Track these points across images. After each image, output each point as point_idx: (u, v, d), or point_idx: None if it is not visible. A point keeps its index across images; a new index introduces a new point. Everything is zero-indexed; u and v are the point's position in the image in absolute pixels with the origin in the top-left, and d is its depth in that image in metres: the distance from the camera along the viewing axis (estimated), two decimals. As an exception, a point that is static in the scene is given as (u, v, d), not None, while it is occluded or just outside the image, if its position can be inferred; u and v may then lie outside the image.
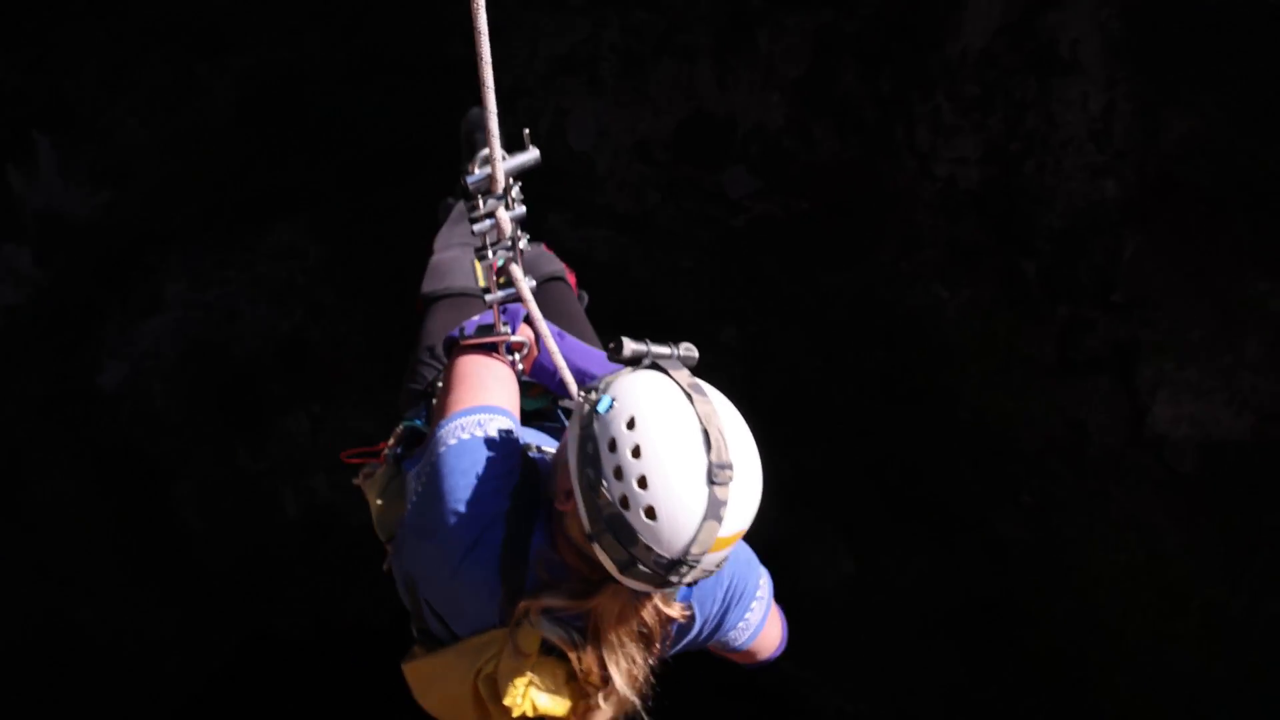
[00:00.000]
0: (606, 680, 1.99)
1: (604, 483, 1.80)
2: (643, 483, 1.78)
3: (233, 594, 7.04)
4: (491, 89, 2.20)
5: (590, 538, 1.84)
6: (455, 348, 2.31)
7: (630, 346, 1.97)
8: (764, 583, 2.39)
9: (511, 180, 2.21)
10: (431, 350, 2.85)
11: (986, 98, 6.17)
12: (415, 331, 3.01)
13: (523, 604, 1.95)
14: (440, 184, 6.74)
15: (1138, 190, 6.08)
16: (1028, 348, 6.24)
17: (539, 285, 2.72)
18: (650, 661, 2.03)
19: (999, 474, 6.31)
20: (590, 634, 1.98)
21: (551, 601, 1.95)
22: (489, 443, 2.05)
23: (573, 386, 2.33)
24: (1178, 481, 6.04)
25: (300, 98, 6.47)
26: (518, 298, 2.33)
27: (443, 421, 2.08)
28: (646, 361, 1.98)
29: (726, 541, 1.85)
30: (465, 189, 2.13)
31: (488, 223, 2.15)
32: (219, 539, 6.94)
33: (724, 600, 2.27)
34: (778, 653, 2.57)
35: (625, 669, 1.98)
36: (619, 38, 6.57)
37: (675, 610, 2.06)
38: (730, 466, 1.83)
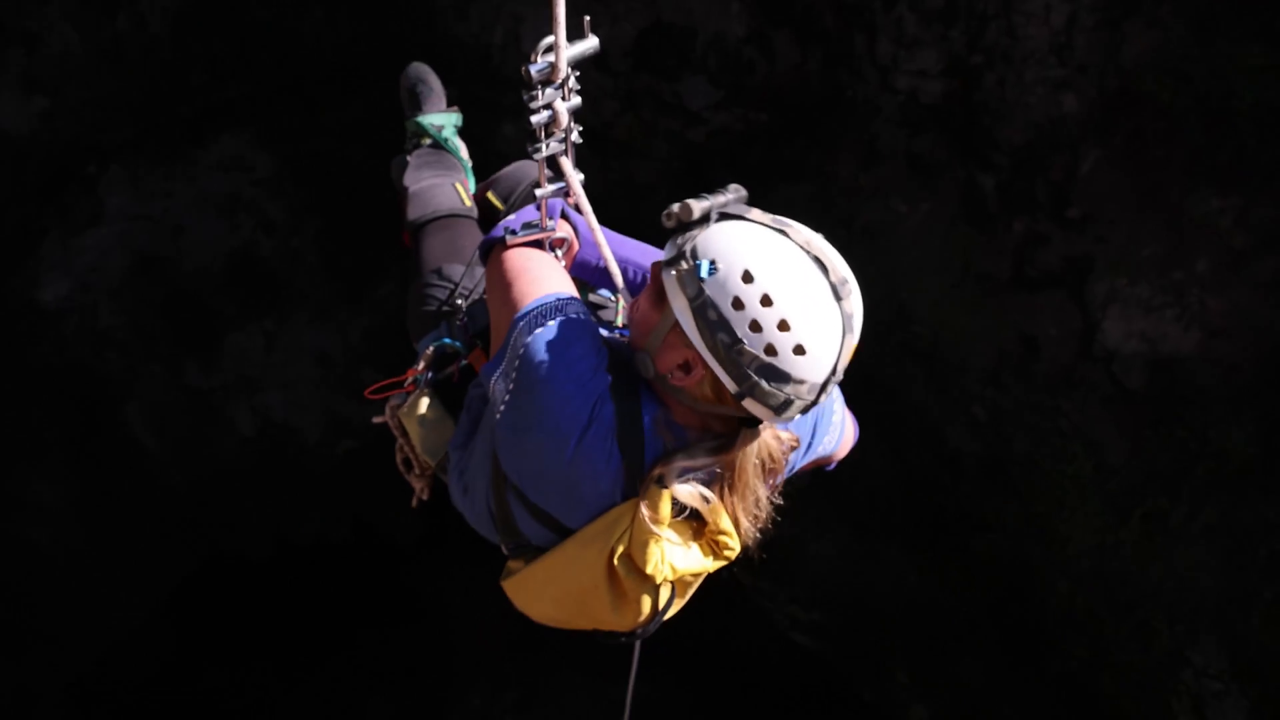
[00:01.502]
0: (736, 526, 1.99)
1: (743, 341, 1.78)
2: (783, 326, 1.78)
3: (189, 513, 6.87)
4: None
5: (740, 395, 1.83)
6: (498, 247, 2.21)
7: (698, 206, 1.89)
8: None
9: (570, 70, 2.09)
10: (439, 272, 2.75)
11: (949, 9, 5.95)
12: (414, 259, 2.86)
13: (658, 469, 1.93)
14: (387, 100, 6.41)
15: (1098, 105, 5.95)
16: (983, 263, 6.14)
17: (528, 194, 2.70)
18: (770, 497, 2.03)
19: (952, 387, 6.26)
20: (724, 485, 1.96)
21: (689, 462, 1.94)
22: (572, 324, 1.98)
23: (618, 275, 2.27)
24: (1125, 395, 6.04)
25: (241, 6, 6.05)
26: (564, 193, 2.24)
27: (517, 316, 2.00)
28: (715, 215, 1.92)
29: (855, 349, 1.90)
30: (528, 76, 1.99)
31: (545, 114, 2.04)
32: (173, 458, 6.72)
33: (814, 414, 2.21)
34: (855, 440, 2.56)
35: (752, 512, 1.99)
36: (575, -57, 6.22)
37: (788, 437, 2.06)
38: (846, 280, 1.86)
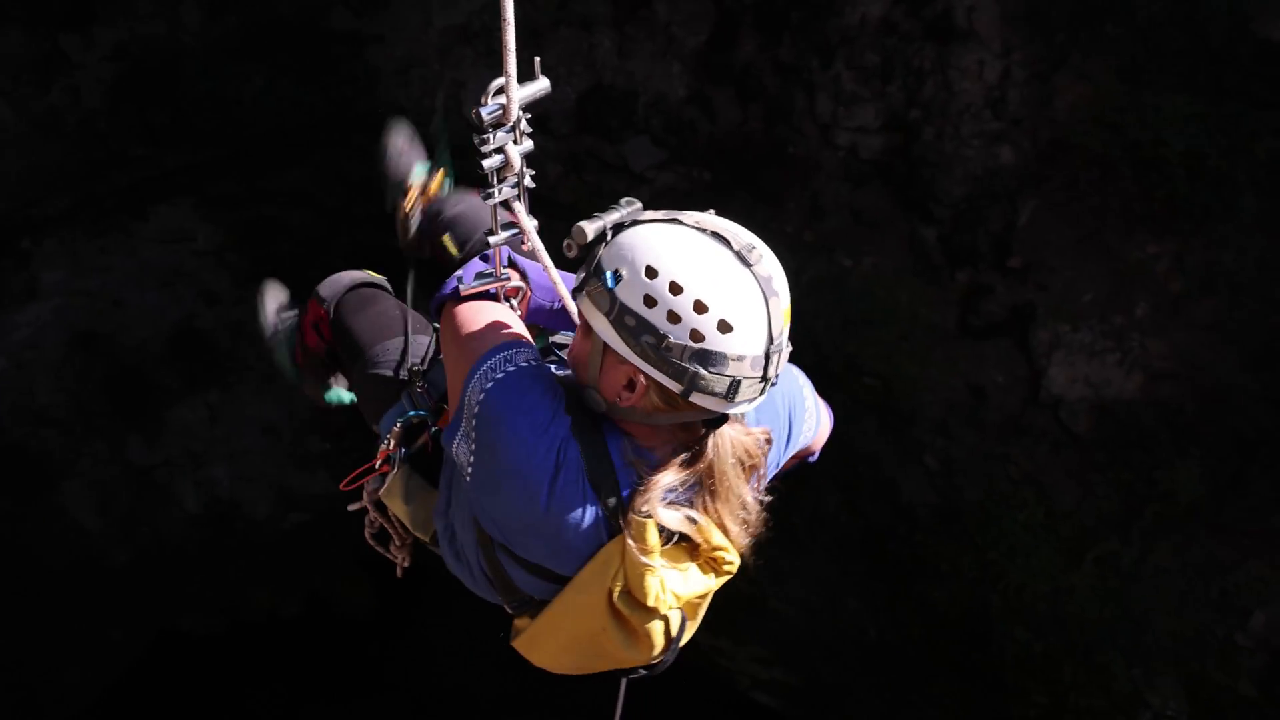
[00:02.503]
0: (727, 536, 1.90)
1: (668, 336, 1.71)
2: (699, 307, 1.71)
3: (134, 593, 6.53)
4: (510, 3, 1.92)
5: (685, 393, 1.75)
6: (450, 301, 2.09)
7: (590, 227, 1.82)
8: (795, 370, 2.24)
9: (521, 112, 1.96)
10: (383, 348, 2.59)
11: (886, 66, 5.93)
12: (343, 347, 2.68)
13: (638, 499, 1.83)
14: (329, 165, 6.25)
15: (1032, 156, 5.94)
16: (929, 314, 6.08)
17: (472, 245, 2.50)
18: (756, 497, 1.94)
19: (904, 437, 6.18)
20: (705, 496, 1.88)
21: (668, 481, 1.84)
22: (523, 373, 1.88)
23: (575, 315, 2.06)
24: (1073, 440, 5.98)
25: (178, 74, 5.88)
26: (519, 239, 2.10)
27: (468, 375, 1.89)
28: (609, 231, 1.84)
29: (788, 313, 1.82)
30: (479, 120, 1.86)
31: (498, 158, 1.92)
32: (115, 537, 6.41)
33: (786, 406, 2.15)
34: (831, 427, 2.47)
35: (739, 516, 1.90)
36: (515, 7, 6.14)
37: (759, 431, 1.98)
38: (753, 246, 1.80)
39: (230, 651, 6.75)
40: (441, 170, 2.97)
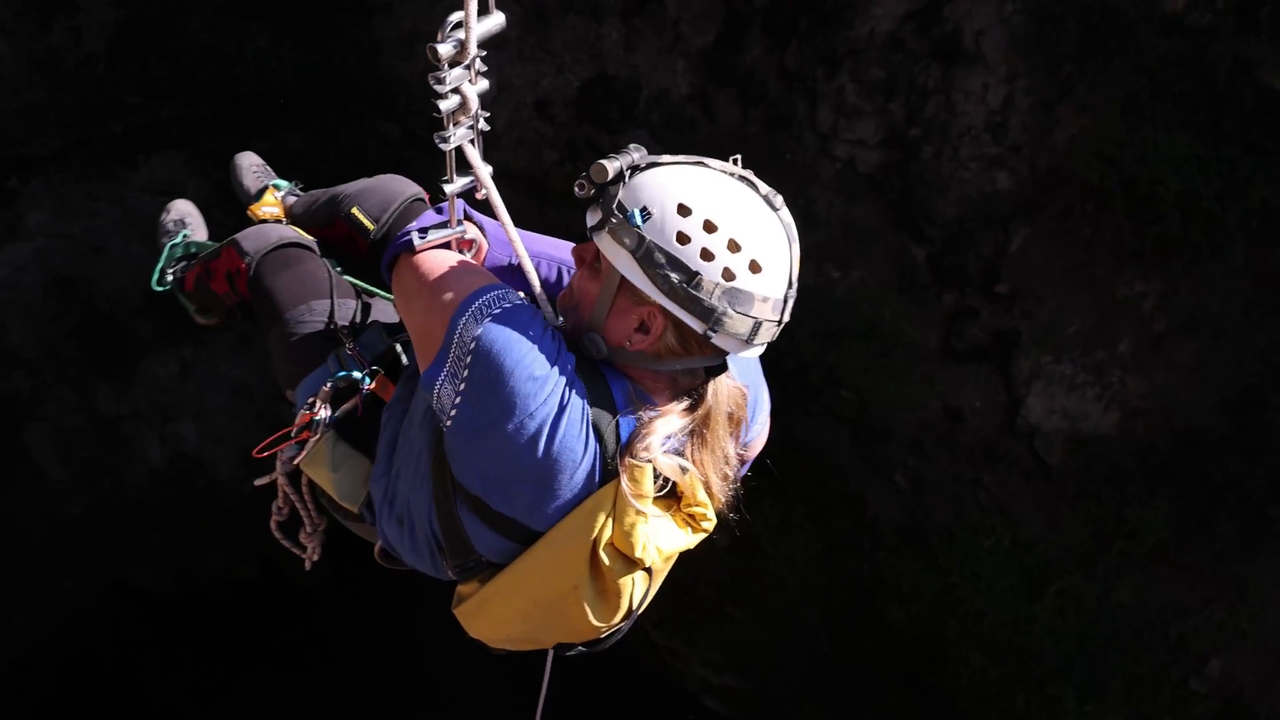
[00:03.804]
0: (709, 491, 1.83)
1: (700, 273, 1.66)
2: (733, 246, 1.67)
3: (89, 543, 6.27)
4: None
5: (709, 333, 1.69)
6: (405, 254, 1.93)
7: (610, 165, 1.74)
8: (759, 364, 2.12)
9: (477, 50, 1.77)
10: (308, 308, 2.42)
11: (890, 81, 5.75)
12: (261, 307, 2.48)
13: (637, 443, 1.74)
14: (325, 131, 6.07)
15: (1029, 183, 5.77)
16: (912, 332, 5.90)
17: (403, 214, 2.40)
18: (737, 450, 1.89)
19: (876, 453, 5.99)
20: (694, 447, 1.82)
21: (670, 426, 1.77)
22: (523, 309, 1.76)
23: (532, 273, 1.94)
24: (1045, 471, 5.81)
25: (182, 27, 5.69)
26: (472, 189, 1.94)
27: (455, 313, 1.74)
28: (627, 170, 1.76)
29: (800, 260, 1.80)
30: (435, 55, 1.68)
31: (454, 99, 1.75)
32: (75, 485, 6.16)
33: (755, 380, 2.04)
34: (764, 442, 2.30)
35: (723, 470, 1.84)
36: (527, -9, 5.97)
37: (742, 384, 1.91)
38: (776, 192, 1.76)
39: (179, 610, 6.47)
40: (273, 189, 2.91)
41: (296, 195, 2.99)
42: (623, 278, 1.71)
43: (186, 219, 3.21)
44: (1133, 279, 5.68)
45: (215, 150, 6.00)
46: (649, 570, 1.84)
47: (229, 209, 6.42)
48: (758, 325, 1.72)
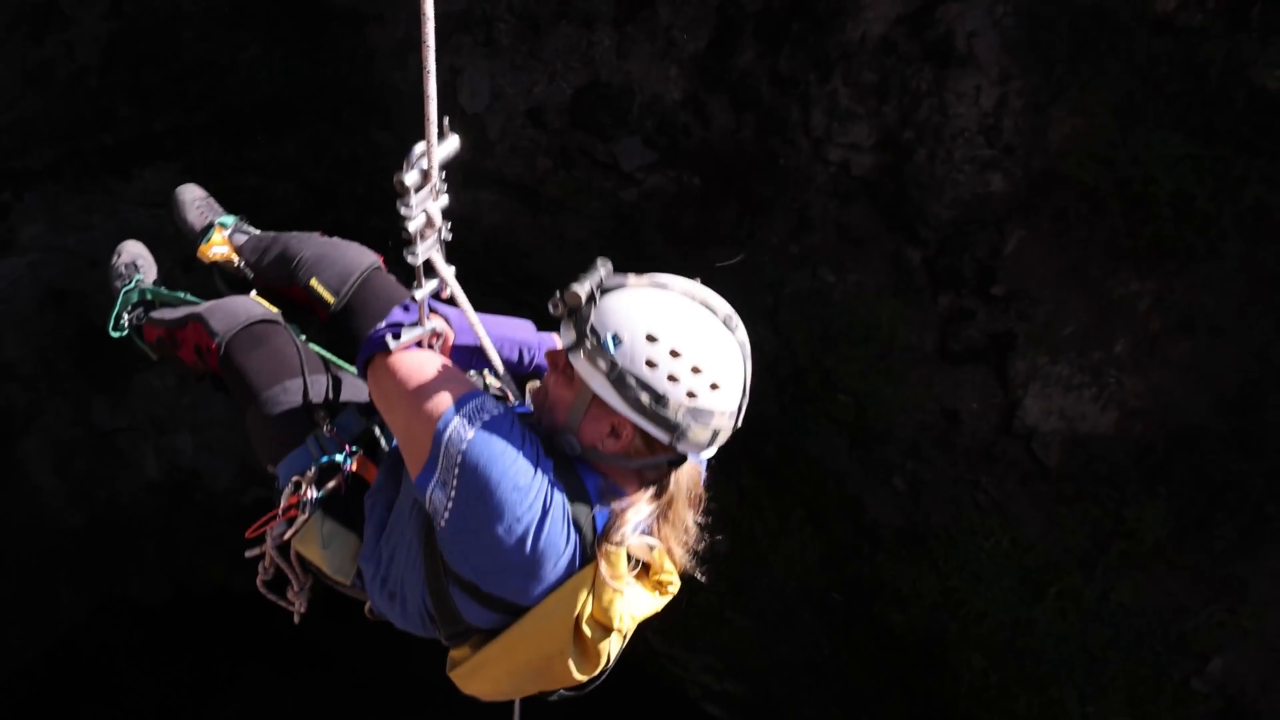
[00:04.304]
0: (672, 559, 2.02)
1: (666, 395, 1.84)
2: (696, 370, 1.86)
3: (86, 555, 6.19)
4: (433, 72, 1.87)
5: (673, 443, 1.89)
6: (380, 355, 2.08)
7: (582, 289, 1.90)
8: None
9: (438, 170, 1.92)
10: (284, 388, 2.53)
11: (883, 85, 5.68)
12: (235, 383, 2.59)
13: (612, 532, 1.93)
14: (319, 140, 5.99)
15: (1023, 185, 5.70)
16: (909, 335, 5.83)
17: (361, 285, 2.60)
18: (697, 521, 2.06)
19: (874, 456, 5.91)
20: (659, 524, 2.00)
21: (637, 515, 1.96)
22: (500, 421, 1.92)
23: (496, 358, 2.19)
24: (1043, 472, 5.73)
25: (174, 38, 5.62)
26: (436, 292, 2.12)
27: (439, 426, 1.90)
28: (597, 291, 1.93)
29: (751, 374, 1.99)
30: (403, 187, 1.82)
31: (422, 218, 1.90)
32: (72, 497, 6.08)
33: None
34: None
35: (684, 540, 2.03)
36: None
37: (699, 466, 2.10)
38: (731, 314, 1.97)
39: (176, 621, 6.41)
40: (219, 228, 2.90)
41: (244, 233, 3.05)
42: (595, 392, 1.87)
43: (138, 261, 3.27)
44: (1128, 279, 5.61)
45: (209, 161, 5.94)
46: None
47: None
48: (716, 433, 1.92)
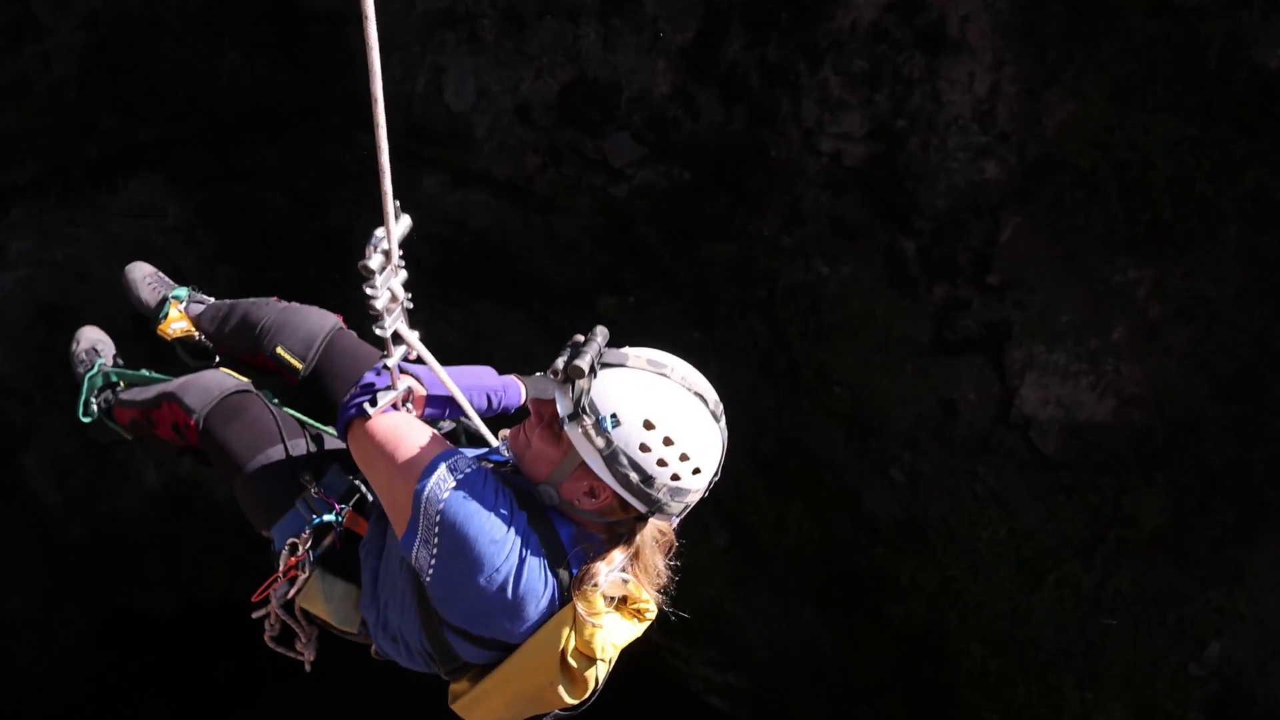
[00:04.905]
0: (645, 594, 2.11)
1: (654, 477, 1.92)
2: (684, 457, 1.93)
3: (89, 568, 6.15)
4: (385, 149, 1.85)
5: (651, 513, 1.98)
6: (358, 420, 2.16)
7: (584, 362, 1.94)
8: None
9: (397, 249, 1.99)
10: (266, 457, 2.58)
11: (874, 73, 5.47)
12: (216, 455, 2.61)
13: (586, 576, 2.02)
14: (303, 146, 5.84)
15: (1018, 172, 5.50)
16: (904, 326, 5.68)
17: (327, 348, 2.64)
18: (667, 564, 2.15)
19: (871, 449, 5.80)
20: (631, 564, 2.08)
21: (610, 562, 2.04)
22: (472, 479, 2.00)
23: (468, 408, 2.29)
24: (1041, 461, 5.61)
25: (152, 46, 5.44)
26: (406, 355, 2.18)
27: (418, 488, 1.99)
28: (597, 365, 1.97)
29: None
30: (368, 272, 1.89)
31: (386, 295, 1.97)
32: (73, 511, 6.01)
33: None
34: None
35: (654, 581, 2.12)
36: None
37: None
38: (719, 402, 2.03)
39: (182, 630, 6.38)
40: (175, 302, 2.85)
41: (199, 302, 3.07)
42: (585, 461, 1.94)
43: (98, 346, 3.24)
44: (1125, 266, 5.45)
45: (194, 171, 5.78)
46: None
47: (210, 229, 6.24)
48: (687, 506, 2.02)
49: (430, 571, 2.00)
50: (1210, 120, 5.27)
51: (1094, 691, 5.52)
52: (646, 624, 2.18)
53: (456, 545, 1.96)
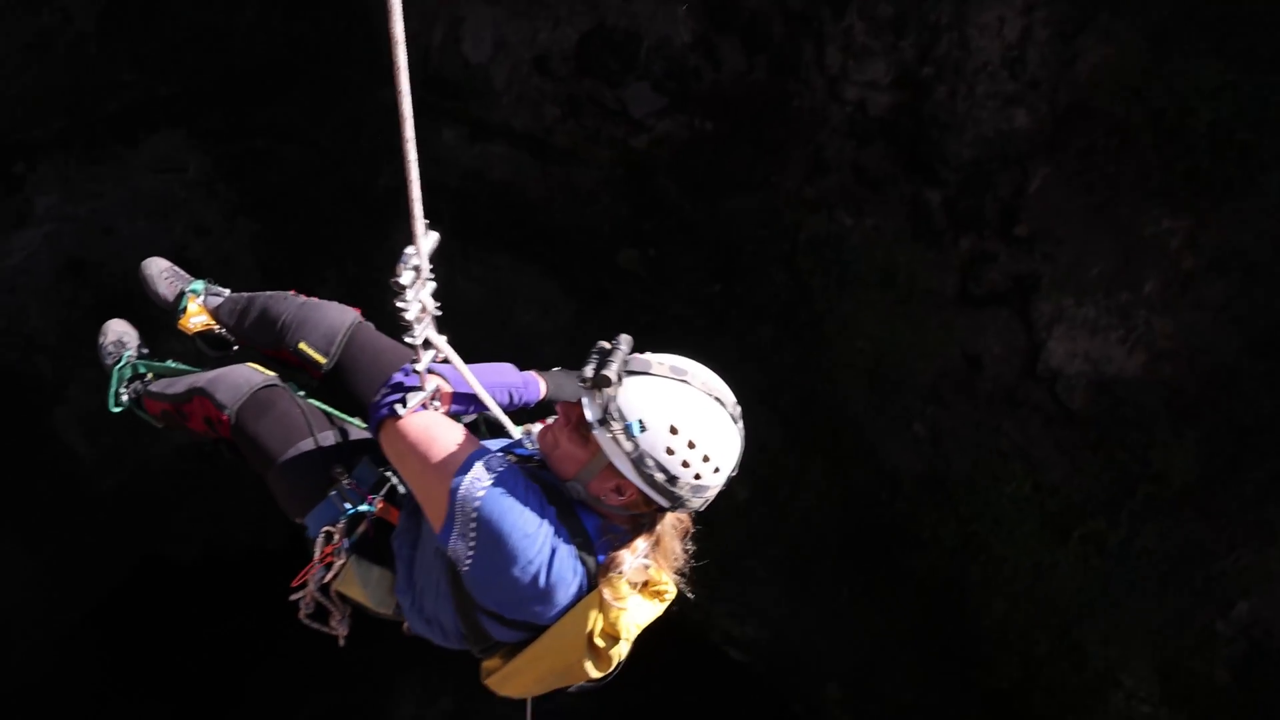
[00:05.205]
0: (665, 577, 2.22)
1: (678, 476, 2.06)
2: (706, 459, 2.07)
3: (120, 520, 6.21)
4: (416, 181, 1.91)
5: (674, 508, 2.12)
6: (390, 420, 2.26)
7: (612, 372, 2.08)
8: None
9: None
10: (298, 449, 2.68)
11: (900, 19, 5.27)
12: (248, 449, 2.72)
13: (612, 565, 2.16)
14: (322, 99, 5.76)
15: (1049, 120, 5.29)
16: (929, 279, 5.52)
17: (348, 343, 2.72)
18: (684, 548, 2.27)
19: (893, 403, 5.69)
20: (654, 552, 2.21)
21: (634, 550, 2.17)
22: (504, 477, 2.12)
23: (493, 405, 2.39)
24: (1067, 416, 5.47)
25: (170, 1, 5.37)
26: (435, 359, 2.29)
27: (453, 485, 2.12)
28: (623, 373, 2.10)
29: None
30: (400, 288, 2.03)
31: (417, 307, 2.09)
32: (104, 463, 6.09)
33: None
34: None
35: (674, 565, 2.23)
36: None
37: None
38: (737, 404, 2.15)
39: (213, 579, 6.47)
40: (192, 296, 2.87)
41: (216, 295, 3.13)
42: (612, 462, 2.09)
43: (124, 338, 3.33)
44: (1159, 216, 5.25)
45: (214, 126, 5.75)
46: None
47: (231, 183, 6.22)
48: (707, 500, 2.14)
49: (468, 562, 2.14)
50: (1253, 64, 5.02)
51: (1117, 648, 5.43)
52: (666, 604, 2.29)
53: (493, 540, 2.09)
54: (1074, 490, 5.47)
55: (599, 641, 2.22)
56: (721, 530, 6.21)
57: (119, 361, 3.21)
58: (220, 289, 3.12)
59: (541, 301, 5.84)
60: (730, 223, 5.71)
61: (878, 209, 5.52)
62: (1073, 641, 5.46)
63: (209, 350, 3.09)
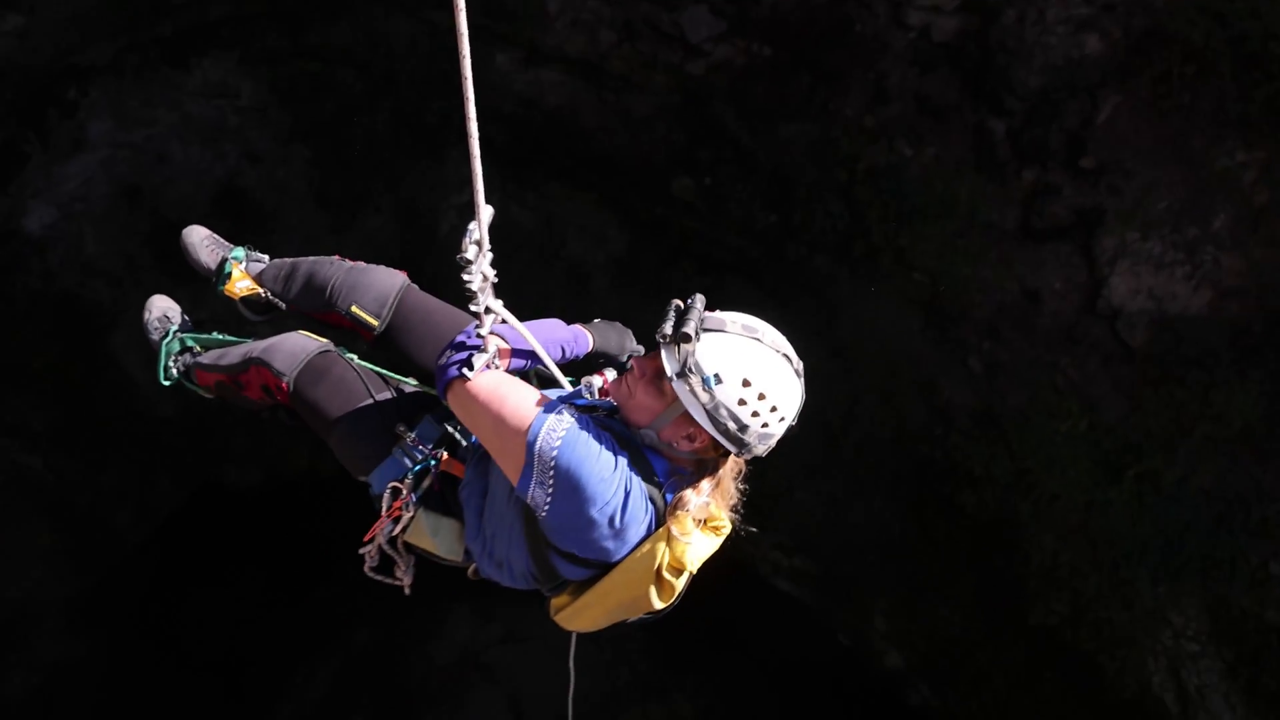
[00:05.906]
0: (722, 514, 2.37)
1: (748, 425, 2.20)
2: (774, 409, 2.22)
3: (180, 445, 6.26)
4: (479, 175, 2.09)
5: (739, 453, 2.25)
6: (458, 382, 2.39)
7: (690, 329, 2.23)
8: None
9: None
10: (358, 410, 2.75)
11: (969, -63, 5.05)
12: (308, 415, 2.78)
13: (679, 505, 2.31)
14: (374, 21, 5.57)
15: (1122, 47, 5.06)
16: (990, 211, 5.36)
17: (399, 305, 2.80)
18: (739, 487, 2.39)
19: (950, 338, 5.56)
20: (715, 492, 2.35)
21: (699, 491, 2.32)
22: (579, 427, 2.25)
23: (549, 360, 2.52)
24: (1127, 353, 5.33)
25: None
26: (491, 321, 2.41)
27: (530, 438, 2.25)
28: (700, 329, 2.26)
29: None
30: (466, 263, 2.21)
31: (480, 278, 2.24)
32: (163, 389, 6.09)
33: None
34: None
35: (730, 500, 2.37)
36: None
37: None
38: (800, 360, 2.29)
39: (270, 504, 6.55)
40: (235, 263, 2.78)
41: (258, 261, 3.13)
42: (686, 410, 2.26)
43: (169, 313, 3.32)
44: (1234, 148, 5.03)
45: (266, 49, 5.60)
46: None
47: (284, 109, 6.09)
48: (770, 447, 2.28)
49: (546, 508, 2.27)
50: (1344, -15, 4.72)
51: (1168, 586, 5.38)
52: (722, 538, 2.43)
53: (570, 486, 2.22)
54: (1130, 429, 5.36)
55: (666, 575, 2.34)
56: (772, 461, 6.13)
57: (166, 336, 3.24)
58: (260, 255, 3.13)
59: (594, 231, 5.72)
60: (787, 152, 5.53)
61: (939, 139, 5.32)
62: (1122, 579, 5.40)
63: (252, 315, 3.11)
